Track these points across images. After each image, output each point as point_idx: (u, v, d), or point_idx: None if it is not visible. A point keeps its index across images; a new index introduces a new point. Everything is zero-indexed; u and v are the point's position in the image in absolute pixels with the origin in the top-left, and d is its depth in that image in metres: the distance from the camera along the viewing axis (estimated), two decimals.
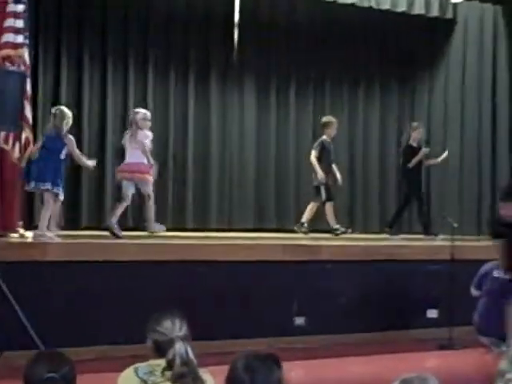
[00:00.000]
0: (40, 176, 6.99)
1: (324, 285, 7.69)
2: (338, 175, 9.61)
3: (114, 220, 7.73)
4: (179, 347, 3.03)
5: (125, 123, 9.15)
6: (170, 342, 3.05)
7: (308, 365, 6.79)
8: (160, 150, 9.51)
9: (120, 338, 6.53)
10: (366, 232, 10.69)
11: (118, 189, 8.20)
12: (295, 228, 9.65)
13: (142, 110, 8.11)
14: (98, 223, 9.18)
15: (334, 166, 9.64)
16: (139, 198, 8.26)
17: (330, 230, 9.56)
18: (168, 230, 8.58)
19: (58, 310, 6.47)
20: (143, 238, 7.89)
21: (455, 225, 7.90)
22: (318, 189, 9.50)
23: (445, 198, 11.09)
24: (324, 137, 9.63)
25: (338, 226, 9.61)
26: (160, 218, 8.57)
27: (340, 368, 6.81)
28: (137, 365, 3.09)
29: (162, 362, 3.04)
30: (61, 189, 7.09)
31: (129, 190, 7.77)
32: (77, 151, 7.35)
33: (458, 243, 7.83)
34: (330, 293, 7.70)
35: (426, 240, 9.47)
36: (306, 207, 10.27)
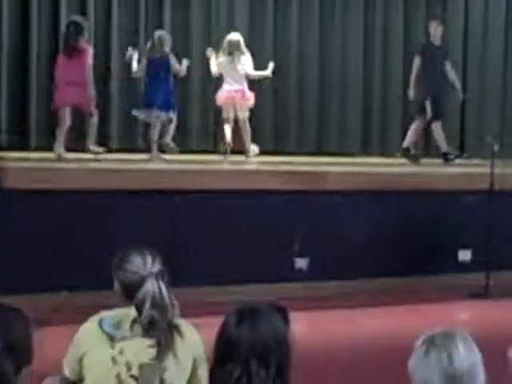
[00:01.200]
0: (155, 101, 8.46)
1: (331, 220, 7.73)
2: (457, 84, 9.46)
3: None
4: (150, 285, 3.01)
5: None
6: (141, 281, 3.03)
7: (312, 317, 6.85)
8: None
9: (82, 282, 6.59)
10: (383, 155, 10.66)
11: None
12: (398, 155, 9.52)
13: (237, 34, 9.09)
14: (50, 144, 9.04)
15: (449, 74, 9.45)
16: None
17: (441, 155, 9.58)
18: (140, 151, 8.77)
19: (1, 248, 6.52)
20: (122, 163, 8.01)
21: (496, 147, 7.87)
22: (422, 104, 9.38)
23: (483, 111, 11.04)
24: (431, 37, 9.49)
25: (449, 150, 9.57)
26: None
27: (352, 321, 6.82)
28: (102, 314, 3.07)
29: (131, 312, 3.03)
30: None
31: (230, 114, 9.01)
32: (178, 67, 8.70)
33: (498, 170, 7.83)
34: (339, 230, 7.75)
35: (459, 166, 9.48)
36: (305, 125, 10.36)
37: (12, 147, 8.74)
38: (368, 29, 11.01)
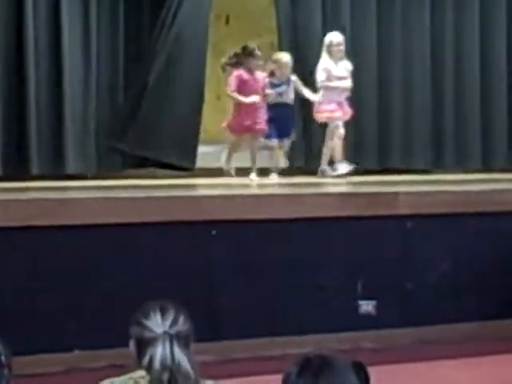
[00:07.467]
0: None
1: (403, 252, 7.71)
2: None
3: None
4: (161, 347, 3.15)
5: None
6: (153, 341, 3.19)
7: (382, 372, 6.78)
8: None
9: (98, 340, 6.63)
10: (461, 171, 10.69)
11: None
12: None
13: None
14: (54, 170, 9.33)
15: None
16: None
17: None
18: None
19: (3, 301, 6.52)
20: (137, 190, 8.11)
21: None
22: None
23: None
24: None
25: None
26: None
27: (432, 376, 6.74)
28: (114, 378, 3.28)
29: (145, 374, 3.19)
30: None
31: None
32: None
33: None
34: (413, 264, 7.72)
35: None
36: (365, 138, 10.46)
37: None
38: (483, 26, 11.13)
